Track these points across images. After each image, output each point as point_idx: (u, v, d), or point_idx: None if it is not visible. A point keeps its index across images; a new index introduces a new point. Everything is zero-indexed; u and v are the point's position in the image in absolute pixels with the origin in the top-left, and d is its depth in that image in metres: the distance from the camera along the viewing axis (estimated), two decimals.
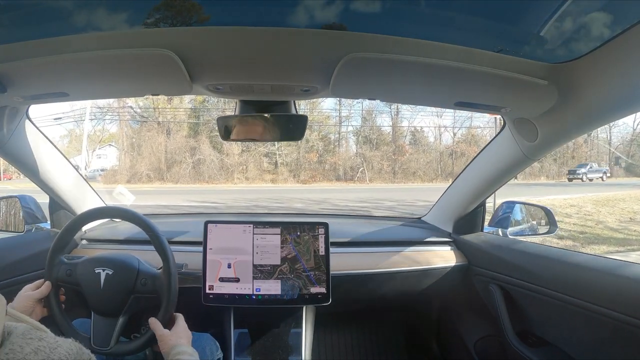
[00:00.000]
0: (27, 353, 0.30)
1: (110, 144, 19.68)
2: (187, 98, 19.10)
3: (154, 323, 0.80)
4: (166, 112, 19.51)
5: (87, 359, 0.37)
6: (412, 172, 19.49)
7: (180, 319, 0.84)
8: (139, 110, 19.44)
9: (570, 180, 17.11)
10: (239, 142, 17.29)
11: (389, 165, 19.49)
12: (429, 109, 19.77)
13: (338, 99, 19.25)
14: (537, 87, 0.73)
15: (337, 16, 0.61)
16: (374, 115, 21.00)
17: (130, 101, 18.65)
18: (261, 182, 18.27)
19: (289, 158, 19.48)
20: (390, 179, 19.23)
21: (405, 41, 0.64)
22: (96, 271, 0.86)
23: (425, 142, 21.20)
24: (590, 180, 16.63)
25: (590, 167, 17.52)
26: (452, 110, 19.79)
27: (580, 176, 16.88)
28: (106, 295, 0.85)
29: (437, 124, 21.21)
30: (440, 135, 21.36)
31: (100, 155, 19.41)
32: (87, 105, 16.81)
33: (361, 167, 19.11)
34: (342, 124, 21.11)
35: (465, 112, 19.41)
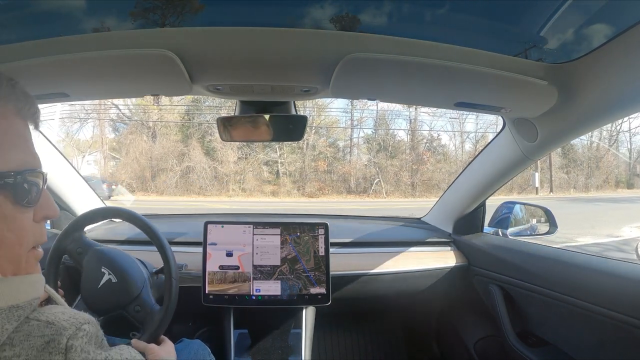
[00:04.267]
0: (55, 312, 0.35)
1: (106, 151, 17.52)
2: (176, 97, 16.91)
3: (137, 343, 0.74)
4: (153, 112, 16.76)
5: (102, 337, 0.39)
6: (435, 184, 16.32)
7: (167, 341, 0.80)
8: (126, 111, 16.91)
9: None
10: (235, 148, 15.08)
11: (409, 177, 16.60)
12: (448, 113, 17.48)
13: (350, 101, 16.67)
14: (537, 87, 0.73)
15: (337, 16, 0.61)
16: (388, 120, 18.14)
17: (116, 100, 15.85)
18: (260, 195, 15.53)
19: (293, 167, 16.73)
20: (410, 192, 16.32)
21: (405, 41, 0.64)
22: (102, 270, 0.84)
23: (446, 151, 18.27)
24: None
25: None
26: (474, 115, 17.63)
27: None
28: (99, 296, 0.84)
29: (459, 130, 18.52)
30: (462, 143, 18.63)
31: (90, 161, 17.06)
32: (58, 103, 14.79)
33: (377, 179, 16.43)
34: (355, 127, 18.17)
35: (490, 116, 17.64)
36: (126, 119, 16.90)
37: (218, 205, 11.93)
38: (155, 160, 15.75)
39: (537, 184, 15.95)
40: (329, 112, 18.11)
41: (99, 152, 16.59)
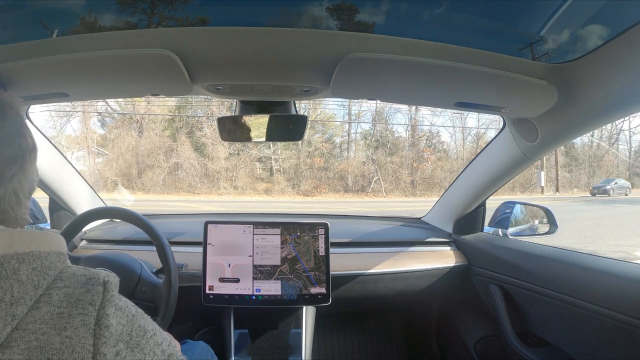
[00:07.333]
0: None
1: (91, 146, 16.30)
2: None
3: None
4: (140, 105, 15.53)
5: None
6: (436, 182, 15.61)
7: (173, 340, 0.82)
8: (113, 104, 15.62)
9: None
10: (227, 144, 14.16)
11: (408, 175, 15.94)
12: (449, 109, 17.37)
13: None
14: (537, 87, 0.73)
15: (336, 16, 0.61)
16: (387, 115, 17.29)
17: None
18: (253, 193, 14.57)
19: (287, 164, 15.87)
20: (411, 190, 15.59)
21: (405, 41, 0.64)
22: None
23: (447, 148, 17.60)
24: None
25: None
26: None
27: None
28: None
29: (460, 125, 17.96)
30: (464, 139, 18.07)
31: (79, 157, 15.93)
32: None
33: (375, 176, 15.66)
34: (352, 122, 17.29)
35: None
36: (113, 111, 15.84)
37: (206, 207, 10.92)
38: (142, 157, 14.93)
39: (543, 183, 15.50)
40: (325, 107, 17.17)
41: (84, 149, 15.52)
